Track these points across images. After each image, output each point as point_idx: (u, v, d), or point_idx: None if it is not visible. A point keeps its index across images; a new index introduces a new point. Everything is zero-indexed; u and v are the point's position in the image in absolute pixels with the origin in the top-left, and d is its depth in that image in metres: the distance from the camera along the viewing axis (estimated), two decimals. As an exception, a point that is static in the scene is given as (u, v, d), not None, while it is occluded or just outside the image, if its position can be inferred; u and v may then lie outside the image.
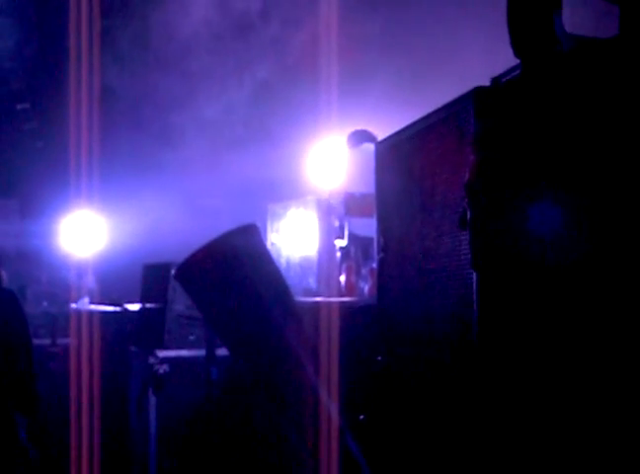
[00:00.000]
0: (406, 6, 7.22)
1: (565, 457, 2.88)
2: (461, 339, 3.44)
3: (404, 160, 4.01)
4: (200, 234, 4.45)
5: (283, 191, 6.93)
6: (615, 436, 2.76)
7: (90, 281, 7.45)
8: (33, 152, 9.82)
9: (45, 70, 9.61)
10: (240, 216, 4.74)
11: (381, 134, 4.34)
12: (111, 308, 6.34)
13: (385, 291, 4.28)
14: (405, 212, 3.99)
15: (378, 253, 4.26)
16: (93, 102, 8.01)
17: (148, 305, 5.96)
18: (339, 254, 5.68)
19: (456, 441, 3.46)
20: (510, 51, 3.13)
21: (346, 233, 5.71)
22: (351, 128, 6.04)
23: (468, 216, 3.13)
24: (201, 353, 5.58)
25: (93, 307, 6.67)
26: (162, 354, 5.73)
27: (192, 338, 5.80)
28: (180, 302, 5.71)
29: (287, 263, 6.26)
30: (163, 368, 5.66)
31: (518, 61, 3.14)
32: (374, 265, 4.60)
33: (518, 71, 3.17)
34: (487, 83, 3.34)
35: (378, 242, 4.25)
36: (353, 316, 4.69)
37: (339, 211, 5.82)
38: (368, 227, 5.03)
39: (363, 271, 5.51)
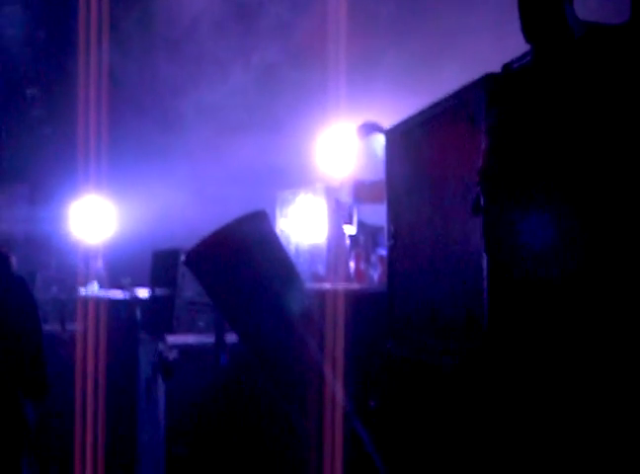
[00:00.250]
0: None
1: (566, 455, 2.89)
2: (471, 326, 3.43)
3: (414, 147, 4.00)
4: (210, 221, 4.45)
5: (292, 178, 6.91)
6: (616, 436, 2.77)
7: (99, 267, 7.45)
8: (41, 138, 9.81)
9: (54, 57, 9.60)
10: (249, 203, 4.73)
11: (391, 121, 4.32)
12: (120, 294, 6.35)
13: (395, 278, 4.26)
14: (415, 200, 3.98)
15: (388, 240, 4.25)
16: (101, 88, 8.01)
17: (157, 291, 5.96)
18: (348, 241, 5.68)
19: (465, 429, 3.45)
20: (521, 37, 3.11)
21: (355, 220, 5.70)
22: (360, 115, 6.02)
23: (481, 202, 3.13)
24: (211, 339, 5.60)
25: (101, 293, 6.68)
26: (171, 340, 5.74)
27: (201, 324, 5.81)
28: (189, 288, 5.72)
29: (297, 249, 6.26)
30: (172, 355, 5.67)
31: (529, 47, 3.12)
32: (384, 252, 4.59)
33: (529, 57, 3.15)
34: (498, 69, 3.32)
35: (389, 229, 4.24)
36: (362, 303, 4.69)
37: (348, 198, 5.81)
38: (377, 215, 5.02)
39: (373, 258, 5.50)
